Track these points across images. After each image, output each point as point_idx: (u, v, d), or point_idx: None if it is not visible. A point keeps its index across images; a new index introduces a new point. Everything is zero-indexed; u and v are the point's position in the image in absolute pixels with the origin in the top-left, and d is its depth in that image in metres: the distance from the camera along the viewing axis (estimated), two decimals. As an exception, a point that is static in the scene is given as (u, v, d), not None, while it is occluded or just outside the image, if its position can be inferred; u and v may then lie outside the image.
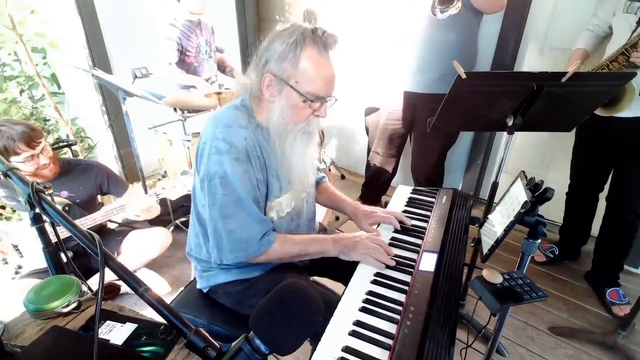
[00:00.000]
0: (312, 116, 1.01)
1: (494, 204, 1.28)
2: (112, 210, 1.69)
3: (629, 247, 1.83)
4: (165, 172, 2.31)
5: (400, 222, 1.21)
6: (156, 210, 1.83)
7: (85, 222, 1.65)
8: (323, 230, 1.37)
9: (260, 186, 1.00)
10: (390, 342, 0.78)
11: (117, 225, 2.12)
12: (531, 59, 2.22)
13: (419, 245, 1.10)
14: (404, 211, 1.27)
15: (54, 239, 0.79)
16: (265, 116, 1.01)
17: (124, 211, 1.71)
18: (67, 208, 1.71)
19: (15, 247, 1.62)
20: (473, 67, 2.03)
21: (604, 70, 1.54)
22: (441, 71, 1.88)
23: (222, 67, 2.61)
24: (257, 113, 1.03)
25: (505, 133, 1.35)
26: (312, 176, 1.18)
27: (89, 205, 1.81)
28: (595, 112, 1.63)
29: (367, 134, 2.44)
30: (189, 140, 2.10)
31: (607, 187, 1.88)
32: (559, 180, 2.02)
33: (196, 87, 2.27)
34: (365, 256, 1.02)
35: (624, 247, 1.84)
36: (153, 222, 2.38)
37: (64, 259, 0.83)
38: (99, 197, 1.93)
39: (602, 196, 1.91)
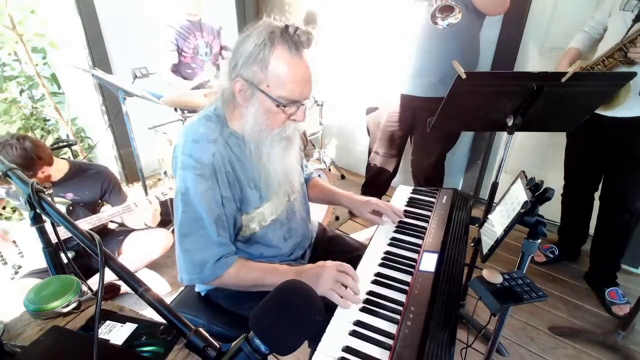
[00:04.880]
0: (288, 121, 0.95)
1: (494, 204, 1.28)
2: (118, 210, 1.70)
3: (625, 246, 1.83)
4: (166, 172, 2.32)
5: (397, 217, 1.20)
6: (157, 217, 1.84)
7: (91, 221, 1.66)
8: (323, 230, 1.37)
9: (226, 203, 0.95)
10: (390, 342, 0.78)
11: (117, 225, 2.12)
12: (531, 59, 2.22)
13: (419, 245, 1.10)
14: (405, 211, 1.27)
15: (54, 239, 0.79)
16: (239, 123, 0.96)
17: (130, 211, 1.72)
18: (70, 208, 1.72)
19: (16, 246, 1.62)
20: (474, 69, 2.03)
21: (599, 66, 1.54)
22: (441, 75, 1.88)
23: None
24: (231, 121, 0.97)
25: (505, 133, 1.35)
26: (298, 178, 1.14)
27: (91, 208, 1.82)
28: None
29: (369, 134, 2.44)
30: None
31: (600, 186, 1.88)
32: (559, 180, 2.02)
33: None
34: (329, 292, 0.89)
35: (619, 246, 1.84)
36: (153, 222, 2.39)
37: (64, 259, 0.83)
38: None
39: (598, 195, 1.91)
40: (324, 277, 0.91)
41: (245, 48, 0.87)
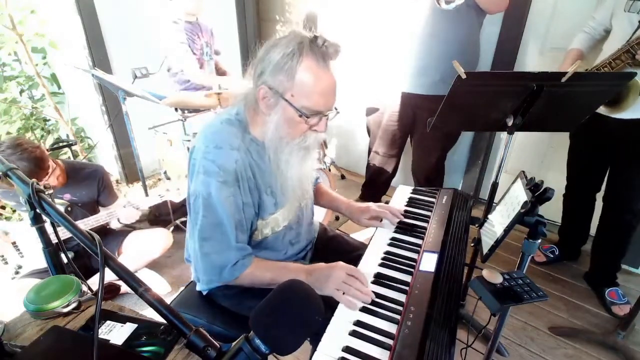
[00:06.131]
0: (309, 131, 0.95)
1: (494, 204, 1.28)
2: (107, 213, 1.72)
3: (626, 246, 1.83)
4: (166, 172, 2.32)
5: (396, 218, 1.21)
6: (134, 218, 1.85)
7: (89, 222, 1.66)
8: (323, 230, 1.37)
9: (246, 209, 0.96)
10: (390, 342, 0.79)
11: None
12: (531, 59, 2.22)
13: (419, 245, 1.10)
14: (405, 211, 1.27)
15: (54, 239, 0.79)
16: (260, 129, 0.96)
17: (116, 215, 1.74)
18: (69, 209, 1.72)
19: (16, 246, 1.62)
20: (475, 69, 2.03)
21: (605, 69, 1.53)
22: (442, 73, 1.88)
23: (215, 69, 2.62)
24: (253, 126, 0.98)
25: (505, 133, 1.35)
26: (309, 186, 1.15)
27: (90, 208, 1.82)
28: (600, 111, 1.63)
29: (369, 134, 2.44)
30: (189, 140, 2.10)
31: (603, 186, 1.88)
32: (559, 180, 2.02)
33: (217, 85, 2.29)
34: (337, 293, 0.90)
35: (621, 246, 1.84)
36: (153, 222, 2.39)
37: (65, 259, 0.83)
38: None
39: (599, 195, 1.91)
40: (333, 277, 0.93)
41: (272, 57, 0.87)
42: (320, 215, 2.30)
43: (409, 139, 2.31)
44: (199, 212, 0.93)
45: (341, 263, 0.98)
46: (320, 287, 0.93)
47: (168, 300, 0.96)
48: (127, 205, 1.76)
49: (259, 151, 0.98)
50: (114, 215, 1.74)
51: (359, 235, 2.38)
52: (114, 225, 1.91)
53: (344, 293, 0.90)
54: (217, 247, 0.94)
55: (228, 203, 0.92)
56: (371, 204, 1.24)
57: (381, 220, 1.23)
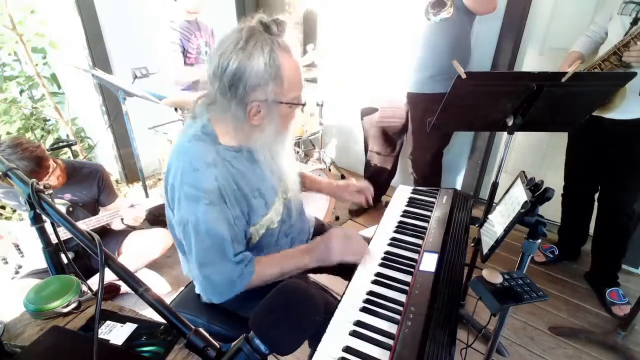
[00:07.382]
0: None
1: (494, 204, 1.28)
2: (109, 213, 1.72)
3: (624, 247, 1.83)
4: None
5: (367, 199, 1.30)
6: (141, 218, 1.88)
7: (91, 223, 1.66)
8: (321, 225, 1.37)
9: (237, 222, 0.94)
10: (390, 342, 0.79)
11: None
12: (531, 59, 2.22)
13: (419, 246, 1.09)
14: (405, 211, 1.27)
15: (54, 239, 0.79)
16: (245, 137, 0.95)
17: (118, 216, 1.74)
18: (70, 209, 1.72)
19: (17, 246, 1.62)
20: (465, 68, 2.03)
21: (595, 70, 1.55)
22: (432, 71, 1.90)
23: None
24: (222, 135, 0.95)
25: (505, 133, 1.35)
26: (294, 172, 1.15)
27: (91, 208, 1.82)
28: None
29: (364, 132, 2.45)
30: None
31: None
32: (559, 180, 2.02)
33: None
34: (345, 256, 0.97)
35: (619, 247, 1.84)
36: (153, 222, 2.39)
37: (65, 260, 0.83)
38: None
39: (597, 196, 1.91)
40: (332, 247, 0.97)
41: (251, 71, 0.84)
42: (320, 215, 2.30)
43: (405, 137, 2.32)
44: (191, 239, 0.91)
45: (333, 230, 1.02)
46: (326, 260, 0.98)
47: (168, 300, 0.97)
48: (134, 205, 1.76)
49: (237, 157, 0.96)
50: (116, 215, 1.74)
51: (359, 235, 2.38)
52: (116, 226, 1.91)
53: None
54: (219, 269, 0.92)
55: (218, 223, 0.89)
56: (352, 180, 1.31)
57: (362, 196, 1.29)
